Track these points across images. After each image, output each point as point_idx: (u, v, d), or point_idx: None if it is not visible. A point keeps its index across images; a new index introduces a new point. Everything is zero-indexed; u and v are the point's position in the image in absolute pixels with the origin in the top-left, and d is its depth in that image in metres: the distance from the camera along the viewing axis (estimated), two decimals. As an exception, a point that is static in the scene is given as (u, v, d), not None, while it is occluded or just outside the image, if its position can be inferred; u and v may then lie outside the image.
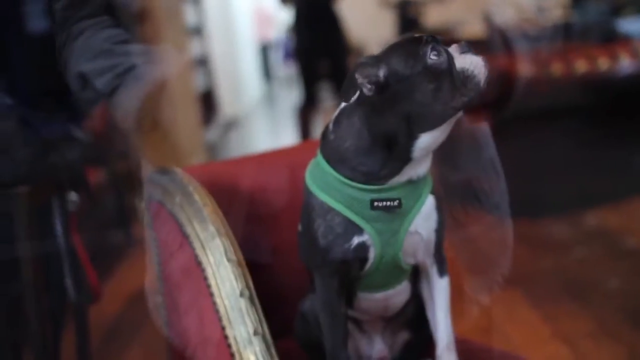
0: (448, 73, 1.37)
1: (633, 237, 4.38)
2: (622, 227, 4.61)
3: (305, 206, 1.52)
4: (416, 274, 1.62)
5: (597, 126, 5.05)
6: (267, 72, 17.04)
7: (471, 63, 1.37)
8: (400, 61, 1.38)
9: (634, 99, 5.14)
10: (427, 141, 1.41)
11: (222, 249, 1.47)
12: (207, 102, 9.18)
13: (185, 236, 1.55)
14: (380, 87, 1.39)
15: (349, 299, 1.58)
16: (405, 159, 1.42)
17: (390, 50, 1.42)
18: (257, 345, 1.42)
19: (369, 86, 1.39)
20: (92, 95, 1.68)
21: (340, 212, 1.44)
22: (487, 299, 1.71)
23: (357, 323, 1.68)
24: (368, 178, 1.43)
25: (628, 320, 3.22)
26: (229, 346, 1.44)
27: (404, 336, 1.71)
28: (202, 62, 9.25)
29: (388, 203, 1.44)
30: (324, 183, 1.46)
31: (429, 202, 1.50)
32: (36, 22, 4.62)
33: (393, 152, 1.42)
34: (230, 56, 11.22)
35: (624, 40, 5.18)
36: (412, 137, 1.40)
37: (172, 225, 1.59)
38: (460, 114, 1.41)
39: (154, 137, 1.74)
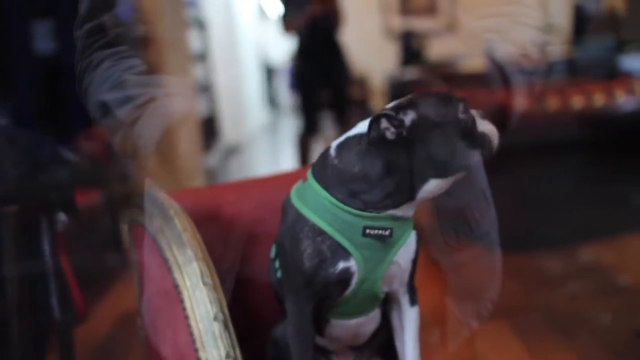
0: (472, 131, 1.43)
1: (626, 274, 4.37)
2: (615, 263, 4.61)
3: (288, 228, 1.52)
4: (387, 303, 1.65)
5: (593, 162, 5.08)
6: (272, 100, 17.09)
7: (489, 129, 1.45)
8: (432, 108, 1.42)
9: (632, 136, 5.16)
10: (433, 186, 1.45)
11: (198, 272, 1.50)
12: (210, 128, 9.22)
13: (164, 259, 1.57)
14: (406, 131, 1.42)
15: (320, 326, 1.60)
16: (408, 197, 1.45)
17: (422, 98, 1.44)
18: (229, 368, 1.44)
19: (392, 130, 1.42)
20: (114, 123, 1.71)
21: (332, 235, 1.46)
22: (474, 327, 1.73)
23: (326, 355, 1.70)
24: (366, 205, 1.45)
25: (612, 357, 3.23)
26: (202, 369, 1.47)
27: None
28: (206, 88, 9.30)
29: (380, 231, 1.46)
30: (317, 205, 1.48)
31: (412, 235, 1.54)
32: (42, 43, 4.66)
33: (400, 188, 1.45)
34: (234, 83, 11.27)
35: (625, 77, 5.21)
36: (421, 180, 1.44)
37: (153, 248, 1.62)
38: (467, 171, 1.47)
39: (153, 160, 1.77)
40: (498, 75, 1.78)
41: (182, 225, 1.57)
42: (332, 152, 1.51)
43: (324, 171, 1.51)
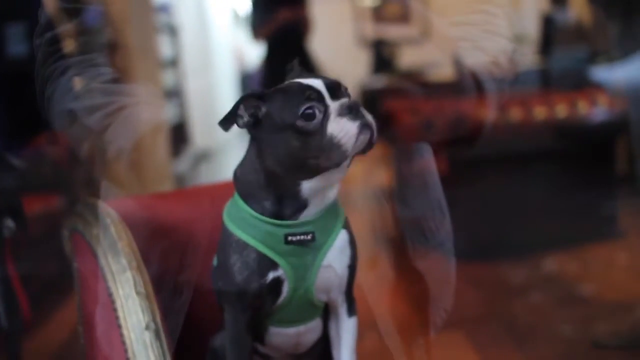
0: (317, 135, 1.38)
1: (588, 284, 4.40)
2: (578, 273, 4.64)
3: (222, 242, 1.54)
4: (327, 313, 1.64)
5: (562, 172, 5.11)
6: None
7: (342, 129, 1.37)
8: (277, 107, 1.41)
9: (600, 146, 5.20)
10: (310, 187, 1.44)
11: (131, 282, 1.50)
12: (179, 134, 9.19)
13: (100, 268, 1.57)
14: (254, 124, 1.43)
15: (260, 334, 1.60)
16: (299, 200, 1.46)
17: (277, 93, 1.44)
18: (159, 378, 1.44)
19: (245, 119, 1.42)
20: (81, 132, 1.69)
21: (256, 247, 1.46)
22: (429, 337, 1.74)
23: None
24: (277, 215, 1.46)
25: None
26: (133, 378, 1.46)
27: None
28: (176, 94, 9.27)
29: (301, 237, 1.46)
30: (240, 219, 1.49)
31: (342, 236, 1.53)
32: (14, 47, 4.61)
33: (283, 193, 1.45)
34: (206, 89, 11.25)
35: (595, 88, 5.24)
36: (294, 183, 1.44)
37: (89, 256, 1.62)
38: (340, 166, 1.42)
39: (122, 166, 1.76)
40: (467, 83, 1.79)
41: (117, 234, 1.57)
42: (241, 162, 1.53)
43: (237, 182, 1.54)
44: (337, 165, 1.40)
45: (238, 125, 1.43)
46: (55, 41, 1.71)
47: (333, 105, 1.40)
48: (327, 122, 1.38)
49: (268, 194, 1.46)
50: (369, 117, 1.39)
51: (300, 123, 1.37)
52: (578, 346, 3.45)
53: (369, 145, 1.40)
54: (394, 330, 1.73)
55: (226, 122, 1.43)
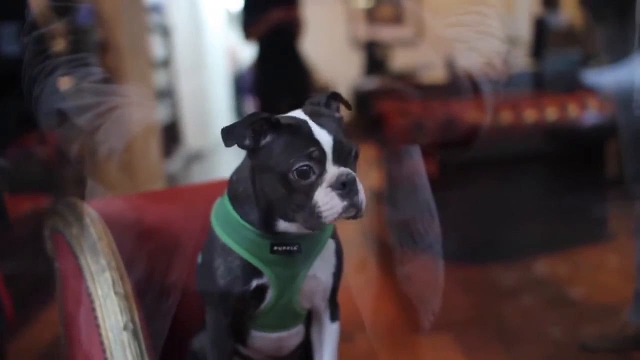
0: (303, 195, 1.34)
1: (578, 287, 4.40)
2: (569, 276, 4.63)
3: (208, 243, 1.53)
4: (310, 317, 1.64)
5: (553, 174, 5.11)
6: (239, 107, 17.02)
7: (327, 203, 1.32)
8: (278, 147, 1.36)
9: (589, 149, 5.20)
10: (286, 227, 1.42)
11: (110, 282, 1.50)
12: (171, 134, 9.18)
13: (79, 268, 1.56)
14: (254, 148, 1.38)
15: (243, 336, 1.60)
16: (275, 231, 1.44)
17: (286, 130, 1.36)
18: (136, 379, 1.43)
19: (247, 142, 1.37)
20: (71, 132, 1.68)
21: (241, 255, 1.46)
22: (417, 338, 1.74)
23: None
24: (263, 227, 1.44)
25: (553, 370, 3.25)
26: (111, 378, 1.46)
27: None
28: (168, 94, 9.25)
29: (288, 248, 1.45)
30: (227, 224, 1.48)
31: (329, 246, 1.53)
32: (8, 46, 4.59)
33: (266, 218, 1.43)
34: (199, 89, 11.23)
35: (587, 91, 5.24)
36: (271, 217, 1.42)
37: (69, 256, 1.61)
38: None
39: (113, 166, 1.75)
40: (463, 85, 1.78)
41: (97, 234, 1.56)
42: (239, 165, 1.51)
43: (231, 187, 1.51)
44: (312, 229, 1.38)
45: (242, 142, 1.37)
46: (43, 40, 1.70)
47: (330, 173, 1.34)
48: (317, 187, 1.34)
49: (253, 208, 1.44)
50: (361, 196, 1.35)
51: (291, 176, 1.33)
52: (566, 349, 3.45)
53: (350, 218, 1.36)
54: (383, 332, 1.73)
55: (231, 138, 1.36)
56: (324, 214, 1.32)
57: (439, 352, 3.34)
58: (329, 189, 1.32)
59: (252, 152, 1.39)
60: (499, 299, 4.29)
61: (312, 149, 1.33)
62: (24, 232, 3.36)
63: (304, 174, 1.32)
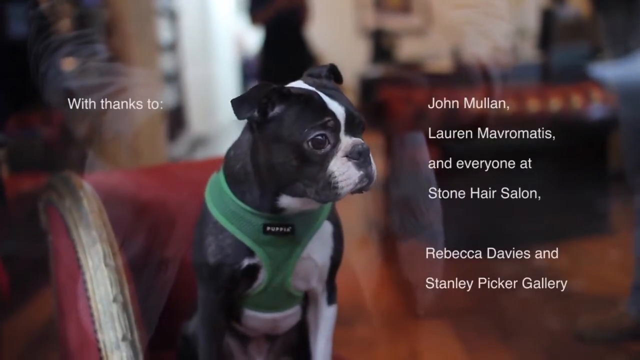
0: (317, 166, 1.32)
1: (578, 279, 4.39)
2: (570, 268, 4.62)
3: (200, 219, 1.52)
4: (307, 299, 1.63)
5: (554, 166, 5.10)
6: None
7: (344, 173, 1.31)
8: (291, 117, 1.33)
9: (593, 142, 5.19)
10: (288, 202, 1.41)
11: (101, 254, 1.50)
12: (177, 118, 9.18)
13: (71, 240, 1.56)
14: (261, 121, 1.35)
15: (237, 315, 1.59)
16: (276, 206, 1.42)
17: (298, 100, 1.34)
18: (125, 350, 1.44)
19: (258, 112, 1.34)
20: (78, 111, 1.67)
21: (233, 233, 1.45)
22: (414, 325, 1.74)
23: (242, 342, 1.69)
24: (257, 206, 1.43)
25: (548, 359, 3.24)
26: (100, 350, 1.46)
27: None
28: (174, 79, 9.25)
29: (280, 229, 1.44)
30: (221, 202, 1.47)
31: (326, 228, 1.51)
32: (16, 27, 4.58)
33: (265, 193, 1.41)
34: (205, 74, 11.23)
35: (594, 84, 5.22)
36: (274, 192, 1.39)
37: (62, 228, 1.61)
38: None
39: (114, 146, 1.75)
40: (473, 73, 1.78)
41: (90, 206, 1.56)
42: (236, 141, 1.48)
43: (227, 163, 1.49)
44: (323, 202, 1.36)
45: (252, 115, 1.34)
46: (49, 15, 1.69)
47: (345, 142, 1.33)
48: (332, 157, 1.32)
49: (251, 186, 1.42)
50: (373, 167, 1.33)
51: (306, 146, 1.31)
52: (562, 338, 3.45)
53: (359, 191, 1.34)
54: (381, 317, 1.73)
55: (242, 109, 1.34)
56: (340, 184, 1.30)
57: (436, 338, 3.34)
58: (345, 158, 1.31)
59: (259, 124, 1.36)
60: (498, 289, 4.28)
61: (327, 118, 1.32)
62: (23, 212, 3.37)
63: (319, 143, 1.30)
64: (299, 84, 1.41)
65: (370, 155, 1.33)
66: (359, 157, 1.31)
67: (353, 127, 1.35)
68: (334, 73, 1.49)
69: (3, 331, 2.20)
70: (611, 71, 3.45)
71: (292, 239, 1.46)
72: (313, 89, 1.37)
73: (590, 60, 5.55)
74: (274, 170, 1.35)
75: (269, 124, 1.35)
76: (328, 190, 1.31)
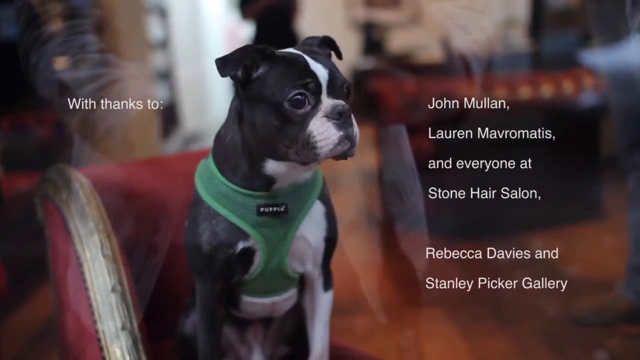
0: (297, 126, 1.33)
1: (573, 265, 4.40)
2: (566, 254, 4.64)
3: (192, 206, 1.52)
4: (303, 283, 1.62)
5: (547, 153, 5.10)
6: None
7: (322, 132, 1.31)
8: (273, 77, 1.35)
9: (585, 129, 5.20)
10: (273, 168, 1.41)
11: (98, 244, 1.51)
12: (169, 116, 9.17)
13: (68, 231, 1.57)
14: (245, 82, 1.37)
15: (235, 301, 1.59)
16: (264, 175, 1.42)
17: (281, 60, 1.37)
18: (124, 340, 1.45)
19: (242, 70, 1.35)
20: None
21: (226, 217, 1.45)
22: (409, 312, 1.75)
23: (240, 329, 1.69)
24: (249, 184, 1.43)
25: (545, 343, 3.25)
26: (99, 340, 1.47)
27: (283, 349, 1.72)
28: (165, 76, 9.23)
29: (274, 209, 1.44)
30: (212, 186, 1.47)
31: (318, 208, 1.51)
32: (7, 28, 4.58)
33: (253, 163, 1.42)
34: (197, 71, 11.21)
35: (586, 71, 5.23)
36: (260, 157, 1.40)
37: (59, 220, 1.62)
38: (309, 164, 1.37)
39: (106, 143, 1.75)
40: (456, 65, 1.80)
41: (86, 197, 1.57)
42: (225, 121, 1.48)
43: (216, 143, 1.49)
44: (304, 164, 1.36)
45: (236, 74, 1.35)
46: (39, 8, 1.68)
47: (326, 103, 1.34)
48: (312, 117, 1.33)
49: (240, 157, 1.43)
50: (355, 130, 1.34)
51: (286, 105, 1.32)
52: (558, 323, 3.46)
53: (343, 156, 1.35)
54: (382, 307, 1.74)
55: (226, 67, 1.36)
56: (319, 144, 1.31)
57: (434, 326, 3.35)
58: (325, 118, 1.32)
59: (243, 85, 1.37)
60: (494, 275, 4.29)
61: (308, 79, 1.33)
62: (19, 211, 3.38)
63: (298, 102, 1.32)
64: (290, 49, 1.43)
65: (352, 117, 1.34)
66: (339, 117, 1.32)
67: (336, 91, 1.36)
68: (330, 46, 1.50)
69: (2, 330, 2.21)
70: (601, 58, 3.47)
71: (286, 219, 1.46)
72: (299, 52, 1.39)
73: (580, 48, 5.56)
74: (257, 131, 1.37)
75: (253, 84, 1.37)
76: (307, 149, 1.32)
